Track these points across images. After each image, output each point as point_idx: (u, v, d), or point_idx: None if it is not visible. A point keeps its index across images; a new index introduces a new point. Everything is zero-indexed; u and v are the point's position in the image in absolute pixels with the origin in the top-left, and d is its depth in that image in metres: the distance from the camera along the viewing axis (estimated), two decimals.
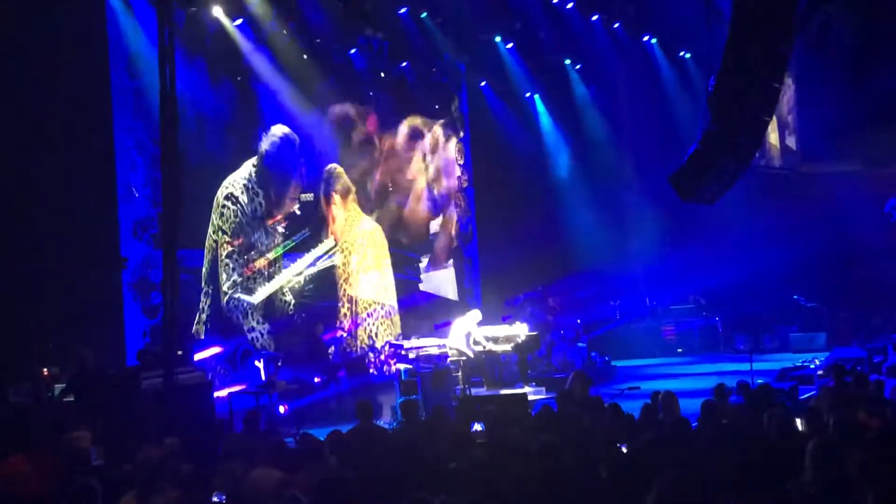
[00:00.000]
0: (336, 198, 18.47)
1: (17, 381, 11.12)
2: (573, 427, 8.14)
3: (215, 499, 7.05)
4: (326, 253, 18.59)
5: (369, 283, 19.70)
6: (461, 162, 22.90)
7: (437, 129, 22.04)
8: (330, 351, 18.02)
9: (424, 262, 21.44)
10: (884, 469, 5.11)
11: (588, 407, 9.68)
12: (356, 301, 19.35)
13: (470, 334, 16.10)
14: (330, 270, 18.80)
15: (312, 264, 18.34)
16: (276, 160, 17.68)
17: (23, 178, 12.77)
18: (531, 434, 7.58)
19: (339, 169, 18.53)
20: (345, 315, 19.09)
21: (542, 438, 6.71)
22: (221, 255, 16.61)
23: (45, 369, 11.62)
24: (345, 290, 19.10)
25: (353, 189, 19.08)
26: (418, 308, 20.58)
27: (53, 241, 12.94)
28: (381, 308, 19.83)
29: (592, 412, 9.00)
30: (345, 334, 18.82)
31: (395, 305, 20.23)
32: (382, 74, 20.37)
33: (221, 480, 7.11)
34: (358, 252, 19.38)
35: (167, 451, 7.52)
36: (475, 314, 16.57)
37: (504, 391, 15.29)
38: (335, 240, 18.36)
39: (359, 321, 19.31)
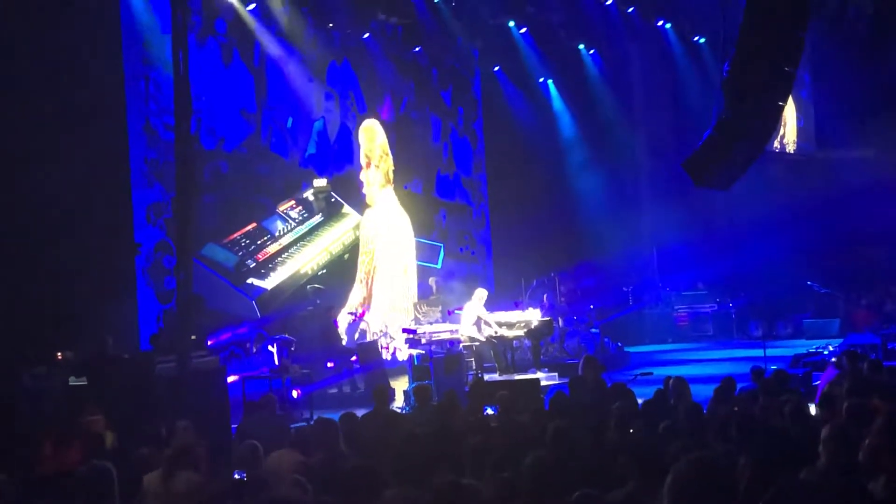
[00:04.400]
0: (372, 169, 18.56)
1: (32, 365, 11.14)
2: (586, 412, 8.12)
3: (236, 476, 7.11)
4: (353, 229, 18.71)
5: (391, 271, 19.74)
6: (474, 148, 22.85)
7: (450, 115, 22.00)
8: (343, 336, 18.02)
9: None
10: (893, 453, 5.08)
11: (605, 393, 9.65)
12: (373, 287, 19.38)
13: (480, 319, 16.02)
14: (344, 258, 18.81)
15: (330, 245, 18.38)
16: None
17: (37, 163, 12.77)
18: (543, 419, 7.57)
19: (378, 132, 18.46)
20: (360, 301, 19.10)
21: (553, 424, 6.69)
22: None
23: (60, 353, 11.63)
24: (365, 273, 19.12)
25: (391, 165, 19.03)
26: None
27: (67, 226, 12.96)
28: (399, 296, 19.84)
29: (609, 398, 8.95)
30: (358, 318, 18.81)
31: (415, 292, 20.22)
32: (396, 59, 20.34)
33: (239, 462, 7.15)
34: (384, 239, 19.43)
35: (193, 436, 7.61)
36: (481, 292, 16.37)
37: (517, 377, 15.27)
38: (365, 206, 18.38)
39: (373, 306, 19.32)
